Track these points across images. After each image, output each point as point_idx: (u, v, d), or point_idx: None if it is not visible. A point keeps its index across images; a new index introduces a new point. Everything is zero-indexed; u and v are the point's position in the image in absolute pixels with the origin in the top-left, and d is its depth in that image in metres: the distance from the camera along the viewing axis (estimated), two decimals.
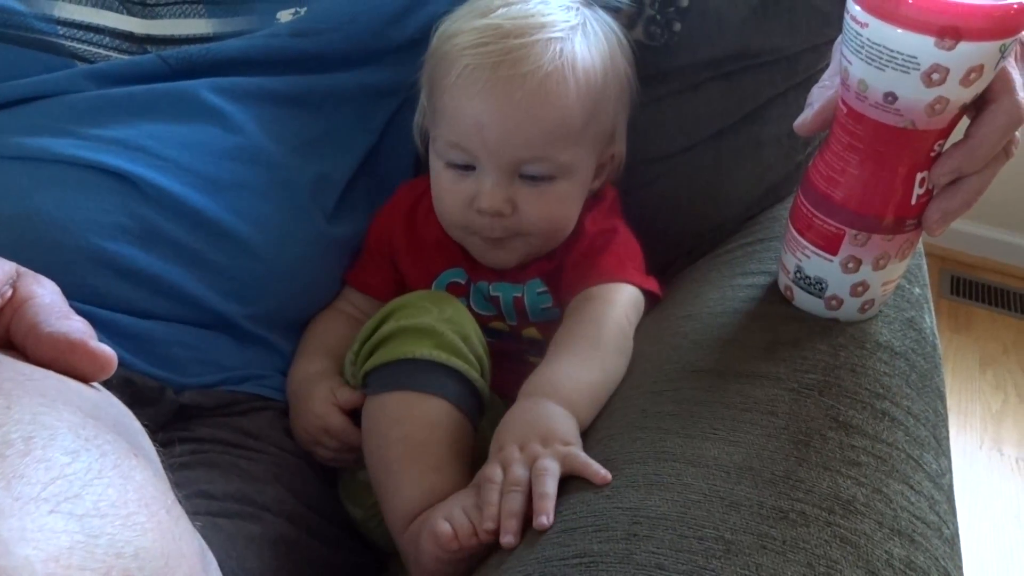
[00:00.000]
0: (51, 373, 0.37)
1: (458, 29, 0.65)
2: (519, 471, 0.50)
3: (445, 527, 0.50)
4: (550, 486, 0.49)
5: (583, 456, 0.51)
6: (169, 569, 0.28)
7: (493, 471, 0.51)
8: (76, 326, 0.40)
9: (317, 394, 0.65)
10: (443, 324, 0.61)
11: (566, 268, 0.68)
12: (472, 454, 0.60)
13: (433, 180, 0.69)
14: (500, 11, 0.64)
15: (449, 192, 0.67)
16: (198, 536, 0.33)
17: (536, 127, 0.63)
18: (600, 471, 0.49)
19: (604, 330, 0.61)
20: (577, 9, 0.66)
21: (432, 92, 0.67)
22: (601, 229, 0.70)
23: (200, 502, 0.53)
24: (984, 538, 1.45)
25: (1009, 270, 2.02)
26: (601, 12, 0.68)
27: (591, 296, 0.65)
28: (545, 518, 0.48)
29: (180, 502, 0.43)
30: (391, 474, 0.58)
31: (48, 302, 0.42)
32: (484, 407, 0.63)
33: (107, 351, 0.40)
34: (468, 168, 0.65)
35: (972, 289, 1.98)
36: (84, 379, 0.39)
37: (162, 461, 0.42)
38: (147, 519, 0.29)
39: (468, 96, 0.63)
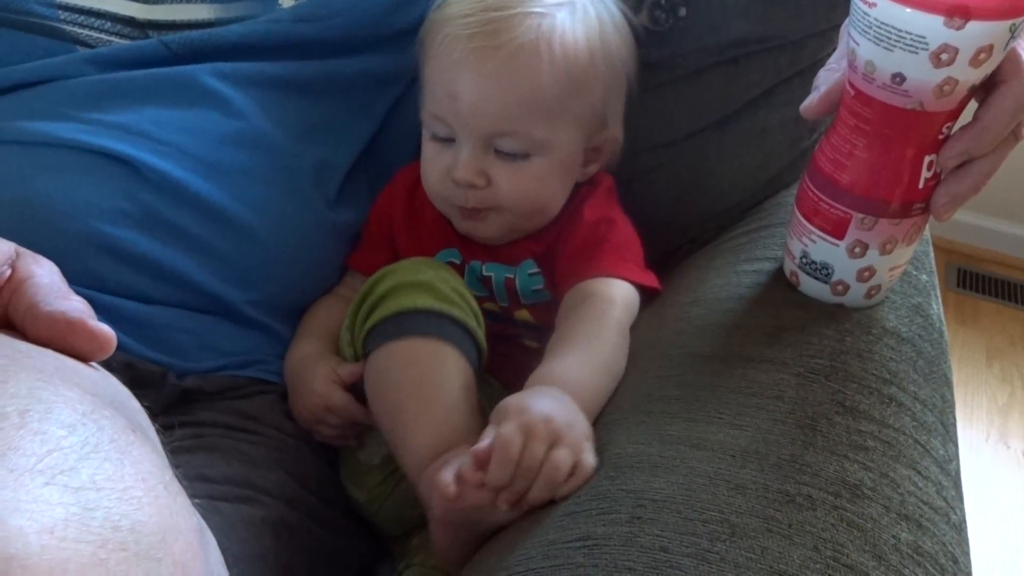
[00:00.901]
0: (49, 352, 0.37)
1: (441, 4, 0.66)
2: (539, 449, 0.49)
3: (447, 478, 0.49)
4: (559, 485, 0.49)
5: (589, 470, 0.50)
6: (165, 544, 0.28)
7: (513, 436, 0.49)
8: (75, 305, 0.40)
9: (317, 372, 0.64)
10: (440, 281, 0.61)
11: (564, 254, 0.68)
12: (480, 405, 0.60)
13: (422, 152, 0.69)
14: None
15: (430, 163, 0.67)
16: (196, 513, 0.33)
17: (507, 99, 0.62)
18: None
19: (607, 331, 0.61)
20: None
21: (422, 63, 0.68)
22: (600, 217, 0.69)
23: (201, 485, 0.53)
24: (989, 531, 1.44)
25: (1016, 263, 2.01)
26: None
27: (590, 292, 0.64)
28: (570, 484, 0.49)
29: (180, 482, 0.43)
30: (405, 417, 0.58)
31: (47, 282, 0.41)
32: (483, 363, 0.63)
33: (106, 330, 0.39)
34: (449, 140, 0.66)
35: (979, 282, 1.97)
36: (83, 358, 0.39)
37: (162, 443, 0.41)
38: (144, 494, 0.28)
39: (444, 66, 0.64)
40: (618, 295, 0.64)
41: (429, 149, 0.68)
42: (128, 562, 0.26)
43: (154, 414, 0.47)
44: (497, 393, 0.57)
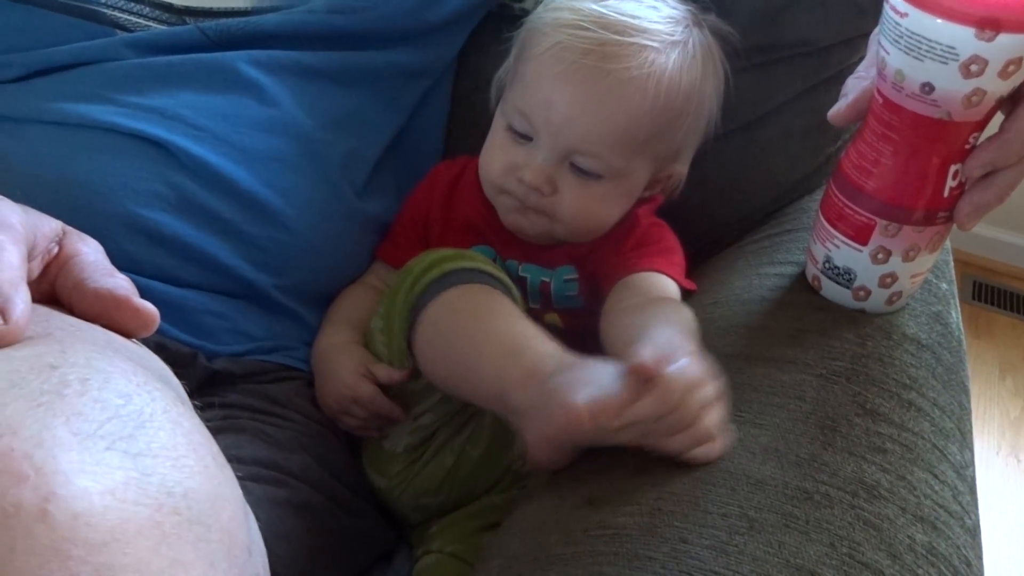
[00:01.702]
0: (97, 327, 0.38)
1: (564, 5, 0.65)
2: (696, 407, 0.46)
3: (580, 402, 0.46)
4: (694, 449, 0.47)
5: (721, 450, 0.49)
6: (215, 510, 0.29)
7: (678, 383, 0.46)
8: (120, 283, 0.41)
9: (346, 364, 0.65)
10: (478, 257, 0.63)
11: (616, 251, 0.68)
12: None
13: (490, 134, 0.69)
14: (611, 2, 0.64)
15: (500, 151, 0.67)
16: (239, 486, 0.34)
17: (601, 125, 0.63)
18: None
19: (685, 309, 0.61)
20: (686, 26, 0.66)
21: (519, 56, 0.68)
22: (653, 222, 0.71)
23: (229, 465, 0.54)
24: (999, 543, 1.44)
25: None
26: (708, 34, 0.68)
27: (650, 282, 0.64)
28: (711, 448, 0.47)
29: None
30: (470, 349, 0.56)
31: (93, 260, 0.43)
32: None
33: (150, 308, 0.41)
34: (525, 138, 0.66)
35: (994, 295, 1.97)
36: (127, 334, 0.40)
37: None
38: (195, 463, 0.30)
39: (549, 72, 0.63)
40: (672, 291, 0.65)
41: (500, 138, 0.68)
42: (181, 526, 0.27)
43: (188, 393, 0.48)
44: None
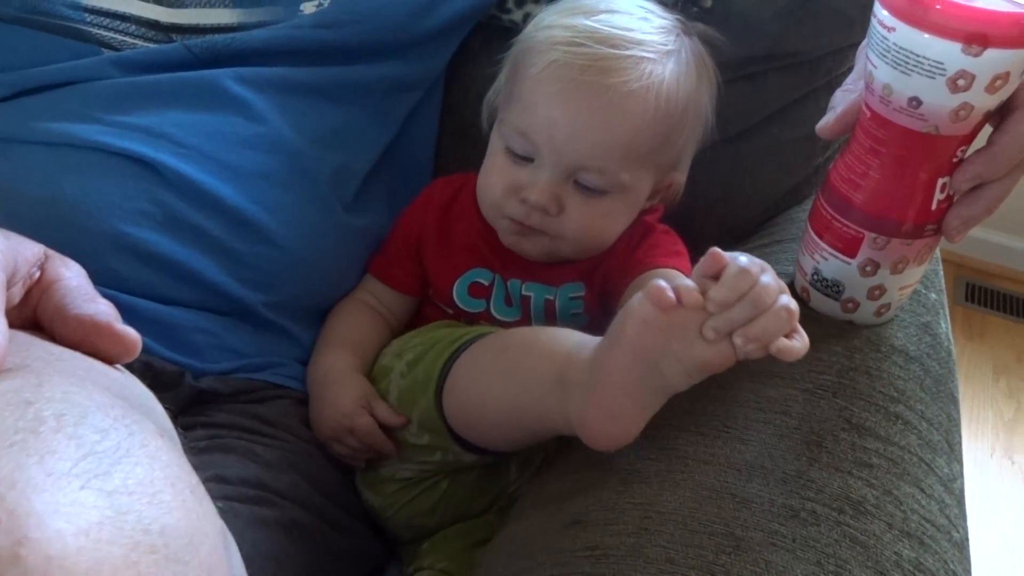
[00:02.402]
0: (79, 354, 0.38)
1: (555, 22, 0.65)
2: (773, 286, 0.46)
3: (663, 284, 0.46)
4: (779, 333, 0.46)
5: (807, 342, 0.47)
6: (193, 547, 0.29)
7: (750, 264, 0.46)
8: (102, 308, 0.41)
9: (348, 393, 0.64)
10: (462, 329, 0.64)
11: (630, 254, 0.68)
12: None
13: (488, 157, 0.68)
14: (603, 16, 0.63)
15: (500, 173, 0.66)
16: (219, 517, 0.34)
17: (605, 139, 0.63)
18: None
19: None
20: (677, 35, 0.66)
21: (513, 76, 0.67)
22: (664, 229, 0.71)
23: (215, 486, 0.54)
24: (992, 546, 1.44)
25: None
26: (698, 42, 0.68)
27: (669, 276, 0.63)
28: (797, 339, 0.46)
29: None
30: (516, 364, 0.55)
31: (75, 284, 0.42)
32: None
33: (132, 334, 0.40)
34: (526, 159, 0.65)
35: (987, 297, 1.97)
36: (109, 361, 0.40)
37: (182, 444, 0.42)
38: (172, 498, 0.29)
39: (548, 91, 0.63)
40: None
41: (499, 160, 0.66)
42: (158, 564, 0.27)
43: (173, 414, 0.47)
44: None
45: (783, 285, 0.47)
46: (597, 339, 0.51)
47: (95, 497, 0.27)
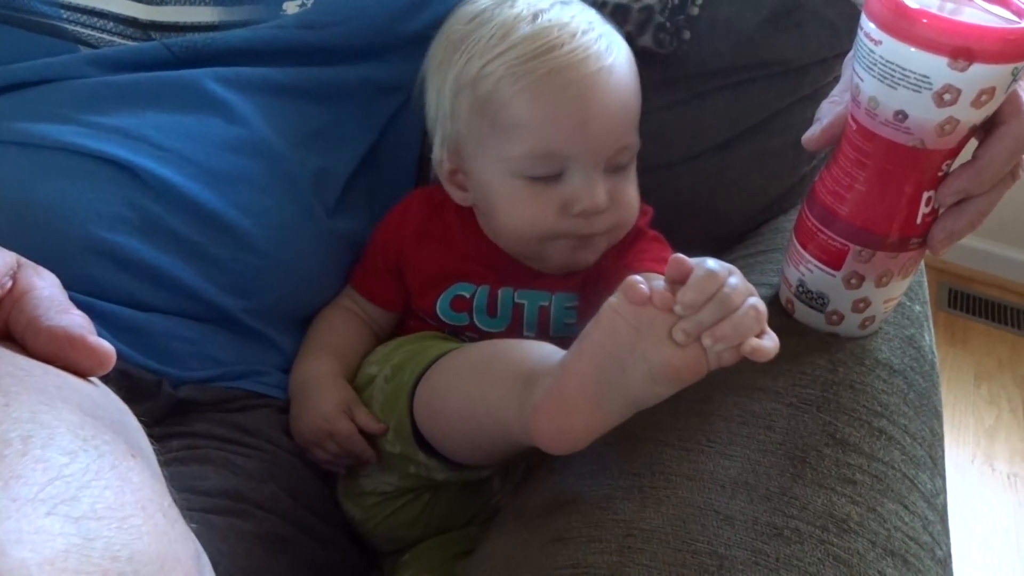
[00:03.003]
0: (51, 369, 0.37)
1: (502, 47, 0.62)
2: (741, 287, 0.46)
3: (638, 278, 0.46)
4: (750, 333, 0.45)
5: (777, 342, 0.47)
6: (164, 572, 0.28)
7: (716, 267, 0.46)
8: (75, 320, 0.40)
9: (330, 397, 0.64)
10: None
11: (624, 257, 0.67)
12: None
13: (503, 200, 0.65)
14: (540, 17, 0.63)
15: (534, 205, 0.64)
16: (193, 538, 0.33)
17: (625, 116, 0.65)
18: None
19: None
20: (586, 9, 0.67)
21: (482, 119, 0.64)
22: (654, 236, 0.71)
23: (193, 498, 0.53)
24: (973, 553, 1.45)
25: (1007, 285, 2.03)
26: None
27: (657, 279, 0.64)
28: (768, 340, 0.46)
29: (174, 498, 0.43)
30: (478, 375, 0.55)
31: (48, 295, 0.41)
32: None
33: (106, 346, 0.39)
34: (551, 178, 0.63)
35: (970, 303, 1.99)
36: (82, 374, 0.39)
37: (157, 457, 0.41)
38: (143, 522, 0.29)
39: (563, 99, 0.61)
40: None
41: (524, 192, 0.63)
42: None
43: (148, 425, 0.46)
44: None
45: (750, 287, 0.47)
46: None
47: (61, 524, 0.26)
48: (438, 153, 0.68)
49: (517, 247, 0.67)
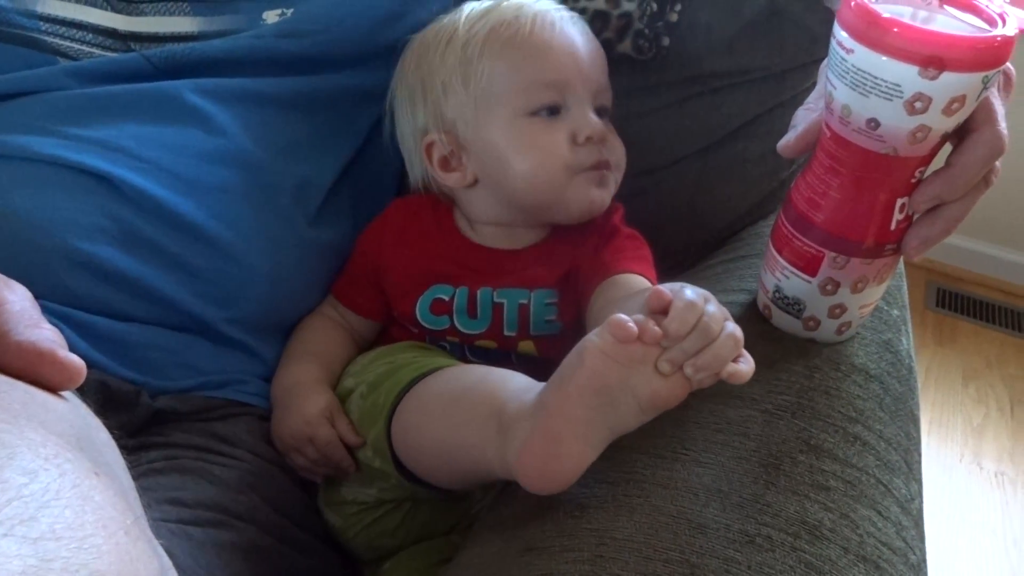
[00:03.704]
0: (18, 384, 0.37)
1: (480, 19, 0.69)
2: (718, 314, 0.48)
3: (623, 317, 0.46)
4: (728, 359, 0.47)
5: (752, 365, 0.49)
6: None
7: (695, 297, 0.47)
8: (45, 335, 0.40)
9: (315, 402, 0.64)
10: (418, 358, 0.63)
11: (598, 256, 0.68)
12: None
13: (515, 145, 0.67)
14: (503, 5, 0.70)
15: (545, 139, 0.67)
16: (159, 555, 0.33)
17: (601, 57, 0.70)
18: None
19: None
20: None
21: (496, 59, 0.67)
22: (630, 233, 0.71)
23: (171, 509, 0.53)
24: (961, 551, 1.46)
25: (994, 283, 2.03)
26: None
27: (634, 282, 0.64)
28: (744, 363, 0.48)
29: (151, 507, 0.43)
30: (455, 406, 0.55)
31: (18, 309, 0.41)
32: None
33: (76, 361, 0.39)
34: (555, 112, 0.67)
35: (957, 302, 1.99)
36: (52, 389, 0.39)
37: (132, 469, 0.41)
38: (104, 541, 0.29)
39: (552, 34, 0.68)
40: None
41: (535, 130, 0.67)
42: None
43: (126, 435, 0.46)
44: None
45: (726, 312, 0.49)
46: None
47: (18, 545, 0.26)
48: (435, 139, 0.70)
49: (538, 193, 0.68)
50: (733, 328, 0.48)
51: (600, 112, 0.68)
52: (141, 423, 0.60)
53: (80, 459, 0.32)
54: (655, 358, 0.47)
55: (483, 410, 0.52)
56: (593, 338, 0.47)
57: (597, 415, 0.47)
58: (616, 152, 0.69)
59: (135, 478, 0.41)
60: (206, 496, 0.56)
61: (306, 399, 0.65)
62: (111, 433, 0.42)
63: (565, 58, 0.67)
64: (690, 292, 0.48)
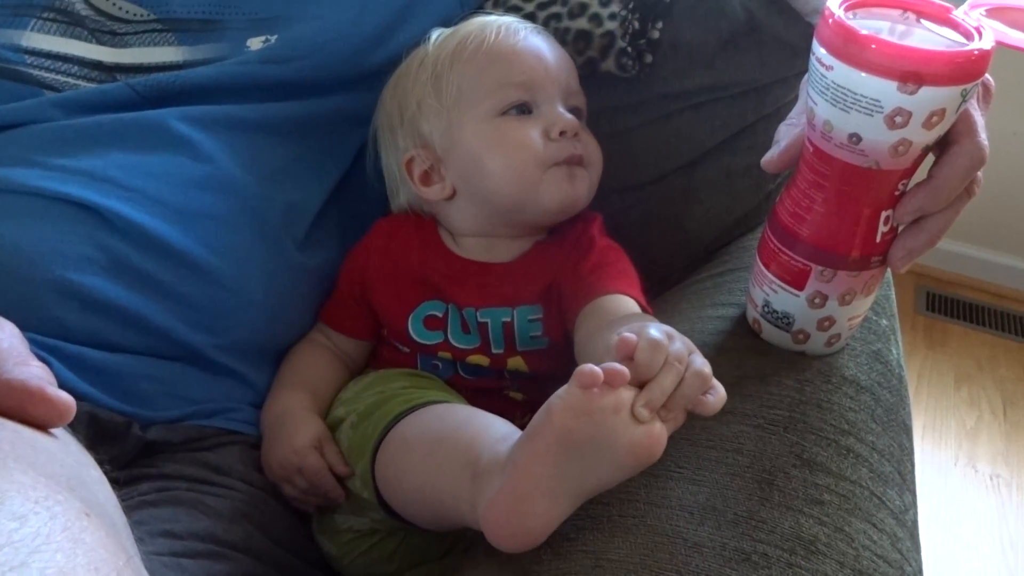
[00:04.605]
0: (6, 423, 0.37)
1: (447, 35, 0.72)
2: (682, 348, 0.47)
3: (591, 367, 0.44)
4: (702, 390, 0.47)
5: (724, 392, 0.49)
6: None
7: (657, 334, 0.47)
8: (34, 372, 0.40)
9: (304, 432, 0.64)
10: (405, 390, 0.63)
11: (578, 273, 0.68)
12: None
13: (490, 145, 0.68)
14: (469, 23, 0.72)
15: (517, 135, 0.68)
16: None
17: (570, 61, 0.73)
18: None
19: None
20: None
21: (465, 71, 0.69)
22: (609, 244, 0.71)
23: (164, 542, 0.53)
24: (958, 555, 1.46)
25: (983, 286, 2.04)
26: None
27: (619, 304, 0.64)
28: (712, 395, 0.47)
29: (143, 540, 0.43)
30: (434, 450, 0.54)
31: (6, 347, 0.41)
32: None
33: (65, 398, 0.39)
34: (525, 111, 0.69)
35: (947, 305, 2.00)
36: (41, 426, 0.39)
37: (124, 503, 0.41)
38: None
39: (518, 39, 0.70)
40: (636, 311, 0.64)
41: (509, 127, 0.68)
42: None
43: (119, 467, 0.46)
44: None
45: (692, 345, 0.48)
46: None
47: None
48: (413, 155, 0.71)
49: (512, 190, 0.68)
50: (701, 363, 0.47)
51: (574, 113, 0.70)
52: (132, 455, 0.60)
53: (71, 500, 0.32)
54: (628, 406, 0.45)
55: (460, 458, 0.51)
56: (561, 393, 0.46)
57: (568, 472, 0.45)
58: (590, 149, 0.70)
59: (127, 511, 0.41)
60: (199, 527, 0.56)
61: (294, 429, 0.64)
62: (102, 468, 0.42)
63: (531, 59, 0.69)
64: (654, 331, 0.47)
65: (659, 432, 0.45)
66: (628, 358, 0.46)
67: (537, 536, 0.46)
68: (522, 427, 0.69)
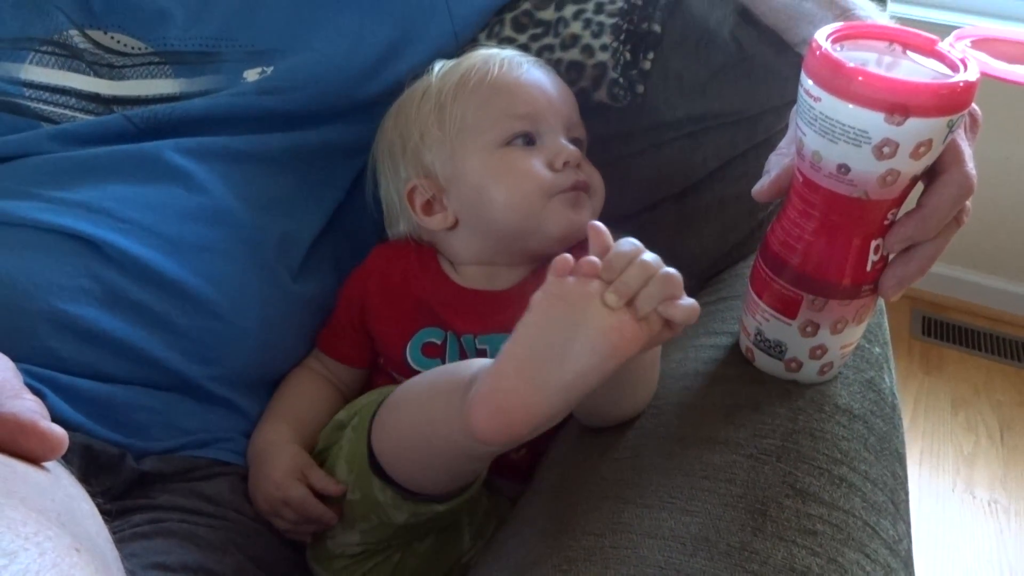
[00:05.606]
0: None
1: (450, 68, 0.73)
2: (654, 258, 0.50)
3: (564, 255, 0.49)
4: (672, 295, 0.49)
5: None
6: None
7: (633, 241, 0.51)
8: (27, 405, 0.40)
9: (280, 464, 0.64)
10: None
11: None
12: None
13: (495, 175, 0.69)
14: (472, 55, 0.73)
15: (521, 165, 0.69)
16: None
17: (571, 94, 0.74)
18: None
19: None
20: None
21: (452, 110, 0.70)
22: None
23: (156, 574, 0.53)
24: None
25: (980, 311, 2.05)
26: None
27: None
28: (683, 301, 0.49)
29: (135, 574, 0.43)
30: (421, 396, 0.56)
31: (0, 380, 0.41)
32: None
33: (58, 432, 0.39)
34: (529, 142, 0.70)
35: (943, 330, 2.00)
36: (34, 460, 0.39)
37: (117, 534, 0.41)
38: None
39: (520, 72, 0.71)
40: None
41: (511, 157, 0.69)
42: None
43: (112, 499, 0.46)
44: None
45: (660, 260, 0.51)
46: None
47: None
48: (415, 184, 0.72)
49: (517, 218, 0.69)
50: (670, 270, 0.50)
51: (575, 144, 0.71)
52: (126, 486, 0.59)
53: (61, 535, 0.32)
54: (599, 294, 0.48)
55: (453, 383, 0.52)
56: (541, 287, 0.49)
57: (546, 355, 0.47)
58: (593, 177, 0.71)
59: (120, 543, 0.41)
60: (191, 560, 0.55)
61: (273, 463, 0.64)
62: (95, 501, 0.42)
63: (534, 91, 0.70)
64: (629, 238, 0.51)
65: (630, 323, 0.48)
66: (601, 254, 0.50)
67: (518, 426, 0.47)
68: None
